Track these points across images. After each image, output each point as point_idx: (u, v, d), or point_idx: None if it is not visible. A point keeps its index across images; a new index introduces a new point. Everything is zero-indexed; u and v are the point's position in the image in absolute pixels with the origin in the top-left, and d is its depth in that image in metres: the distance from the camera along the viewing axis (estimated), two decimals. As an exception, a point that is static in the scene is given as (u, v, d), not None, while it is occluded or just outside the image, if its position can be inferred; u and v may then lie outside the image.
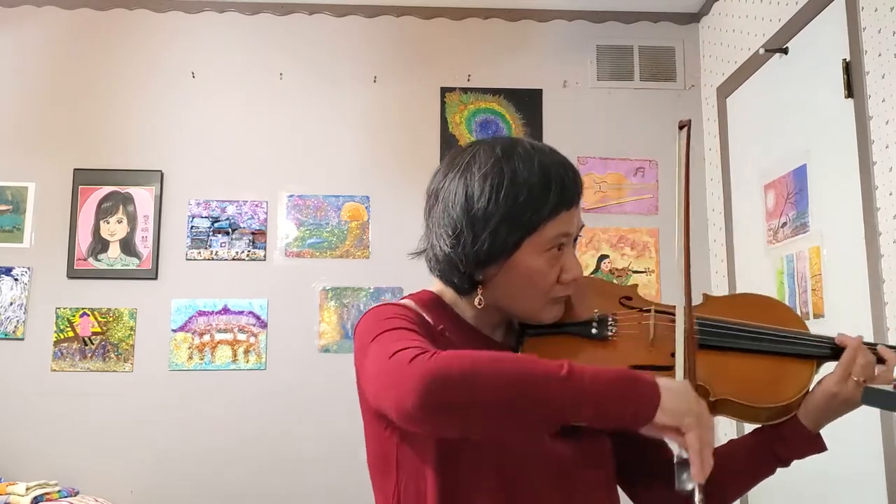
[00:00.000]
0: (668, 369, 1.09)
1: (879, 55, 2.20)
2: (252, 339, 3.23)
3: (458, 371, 0.91)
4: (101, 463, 3.10)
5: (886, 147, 2.16)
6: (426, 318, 1.13)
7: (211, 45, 3.42)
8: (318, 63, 3.43)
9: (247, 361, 3.21)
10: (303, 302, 3.26)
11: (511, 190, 1.08)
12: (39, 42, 3.38)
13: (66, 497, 2.85)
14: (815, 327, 2.38)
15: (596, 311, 1.18)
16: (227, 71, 3.40)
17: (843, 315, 2.33)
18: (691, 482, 0.95)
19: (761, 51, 2.78)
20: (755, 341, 1.17)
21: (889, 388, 1.15)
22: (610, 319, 1.17)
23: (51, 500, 2.79)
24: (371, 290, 3.27)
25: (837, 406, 1.14)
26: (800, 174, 2.59)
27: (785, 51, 2.69)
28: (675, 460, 0.98)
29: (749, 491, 1.25)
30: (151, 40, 3.41)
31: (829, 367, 1.18)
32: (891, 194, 2.14)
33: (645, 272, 3.32)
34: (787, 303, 2.64)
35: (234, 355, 3.21)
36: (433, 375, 0.90)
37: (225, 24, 3.44)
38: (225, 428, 3.15)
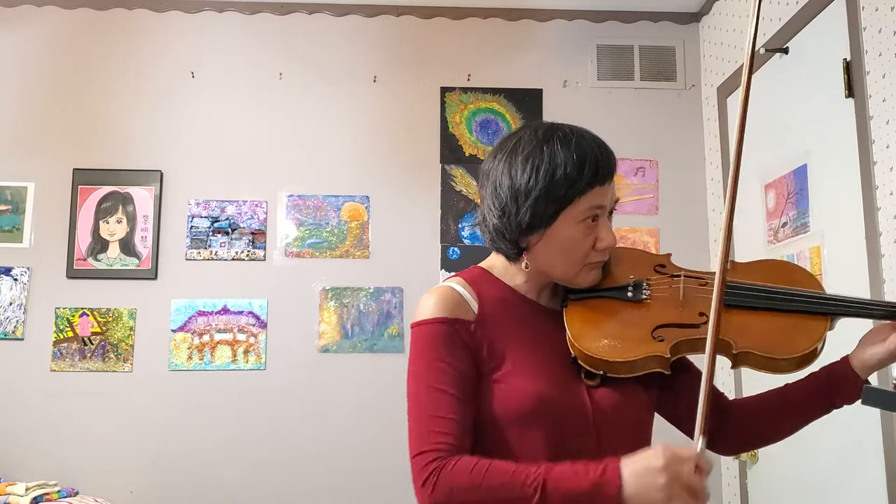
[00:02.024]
0: (696, 327, 1.26)
1: (880, 55, 2.19)
2: (252, 340, 3.22)
3: (452, 496, 1.13)
4: (101, 463, 3.10)
5: (887, 147, 2.15)
6: (468, 305, 1.29)
7: (211, 45, 3.42)
8: (318, 63, 3.43)
9: (246, 361, 3.21)
10: (302, 302, 3.26)
11: (549, 169, 1.25)
12: (39, 42, 3.38)
13: (65, 497, 2.85)
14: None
15: (632, 276, 1.35)
16: (227, 71, 3.40)
17: (843, 315, 2.33)
18: None
19: (761, 51, 2.78)
20: (774, 301, 1.30)
21: (889, 388, 1.15)
22: (644, 284, 1.33)
23: (50, 501, 2.79)
24: (371, 290, 3.27)
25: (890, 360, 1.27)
26: (800, 174, 2.59)
27: (785, 51, 2.68)
28: None
29: (801, 429, 1.38)
30: (151, 40, 3.41)
31: (843, 323, 1.30)
32: (891, 194, 2.14)
33: (645, 272, 3.31)
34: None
35: (234, 355, 3.21)
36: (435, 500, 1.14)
37: (225, 23, 3.44)
38: (225, 428, 3.15)
